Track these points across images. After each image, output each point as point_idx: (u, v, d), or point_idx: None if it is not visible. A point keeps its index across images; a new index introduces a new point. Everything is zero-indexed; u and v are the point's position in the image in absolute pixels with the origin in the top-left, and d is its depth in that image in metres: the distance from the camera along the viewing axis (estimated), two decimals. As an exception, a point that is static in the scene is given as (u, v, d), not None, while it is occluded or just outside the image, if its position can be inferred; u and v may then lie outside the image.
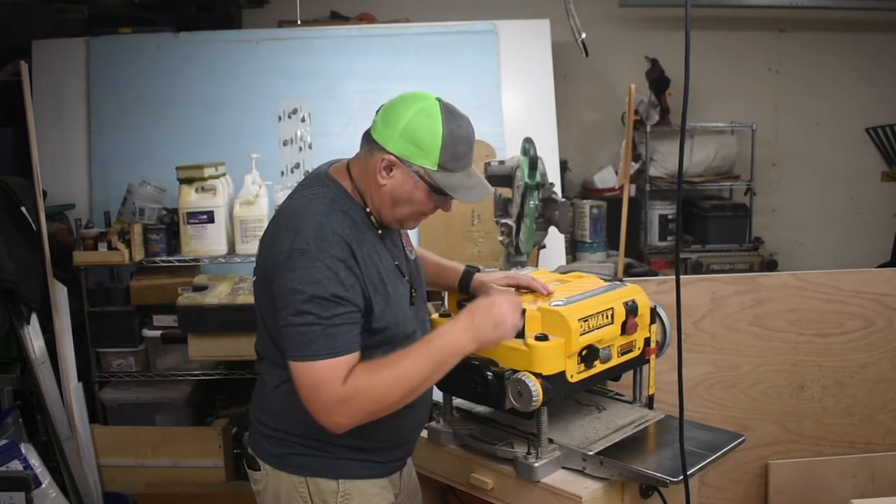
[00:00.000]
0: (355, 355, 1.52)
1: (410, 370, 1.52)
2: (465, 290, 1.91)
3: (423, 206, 1.64)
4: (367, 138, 1.64)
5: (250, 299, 2.92)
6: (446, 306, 1.94)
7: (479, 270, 1.93)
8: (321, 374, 1.48)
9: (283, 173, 3.87)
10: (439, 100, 1.62)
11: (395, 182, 1.60)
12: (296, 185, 1.80)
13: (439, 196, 1.62)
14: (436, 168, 1.58)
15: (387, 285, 1.62)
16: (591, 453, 1.75)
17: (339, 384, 1.48)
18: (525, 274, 1.87)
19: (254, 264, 1.71)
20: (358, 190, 1.65)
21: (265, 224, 3.15)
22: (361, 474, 1.69)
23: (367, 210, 1.65)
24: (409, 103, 1.61)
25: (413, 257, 1.81)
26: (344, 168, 1.69)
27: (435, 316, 1.92)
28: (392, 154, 1.58)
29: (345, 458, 1.66)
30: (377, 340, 1.60)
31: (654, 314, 1.93)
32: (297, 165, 3.91)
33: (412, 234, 3.78)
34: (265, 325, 1.66)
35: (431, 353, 1.54)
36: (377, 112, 1.66)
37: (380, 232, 1.66)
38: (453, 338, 1.56)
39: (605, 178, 4.74)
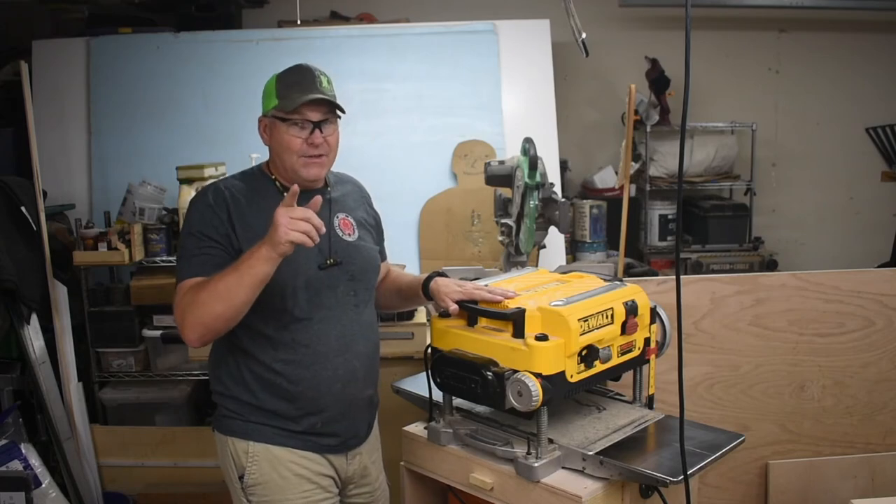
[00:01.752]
0: (201, 278, 1.75)
1: (225, 282, 1.68)
2: (428, 297, 2.01)
3: (291, 142, 1.84)
4: None
5: (250, 299, 2.92)
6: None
7: (442, 274, 2.01)
8: (176, 295, 1.76)
9: (283, 173, 3.87)
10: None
11: (272, 138, 1.88)
12: None
13: (291, 126, 1.83)
14: (276, 102, 1.84)
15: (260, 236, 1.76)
16: (591, 453, 1.75)
17: (179, 299, 1.74)
18: (477, 285, 1.92)
19: None
20: (270, 165, 1.94)
21: (265, 224, 3.18)
22: (274, 440, 1.86)
23: (273, 177, 1.91)
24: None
25: (349, 239, 1.95)
26: None
27: (435, 316, 1.93)
28: (261, 117, 1.90)
29: (256, 421, 1.85)
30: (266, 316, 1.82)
31: (654, 314, 1.93)
32: (297, 165, 3.90)
33: (412, 237, 3.80)
34: None
35: (236, 267, 1.70)
36: None
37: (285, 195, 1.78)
38: (252, 252, 1.70)
39: (605, 178, 4.74)
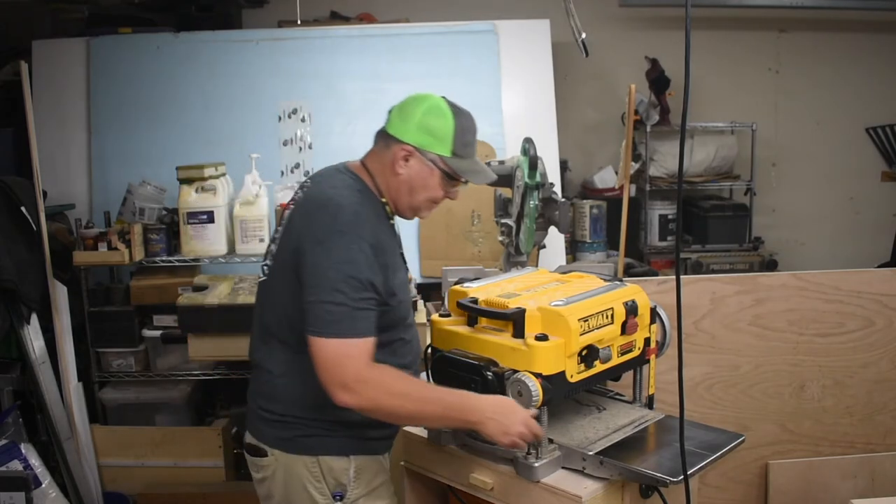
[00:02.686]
0: (374, 340, 1.65)
1: (428, 399, 1.67)
2: None
3: (436, 192, 1.81)
4: (383, 135, 1.82)
5: (250, 299, 2.92)
6: (446, 306, 1.94)
7: None
8: (347, 351, 1.60)
9: (283, 173, 3.87)
10: (444, 98, 1.83)
11: (413, 171, 1.78)
12: (305, 180, 1.90)
13: (451, 182, 1.81)
14: (450, 155, 1.78)
15: (397, 272, 1.76)
16: (591, 453, 1.75)
17: (365, 364, 1.61)
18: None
19: (255, 263, 1.78)
20: (375, 184, 1.81)
21: (265, 224, 3.18)
22: (365, 450, 1.81)
23: (383, 201, 1.81)
24: (419, 102, 1.81)
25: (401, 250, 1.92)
26: (359, 165, 1.84)
27: (435, 316, 1.92)
28: (410, 145, 1.77)
29: (347, 435, 1.76)
30: (385, 322, 1.72)
31: (654, 314, 1.93)
32: (297, 165, 3.91)
33: (412, 237, 3.80)
34: (282, 309, 1.75)
35: (448, 403, 1.67)
36: (389, 112, 1.85)
37: (392, 222, 1.81)
38: (471, 407, 1.66)
39: (605, 178, 4.74)
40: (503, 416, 1.64)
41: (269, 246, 1.87)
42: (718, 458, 1.79)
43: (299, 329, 1.66)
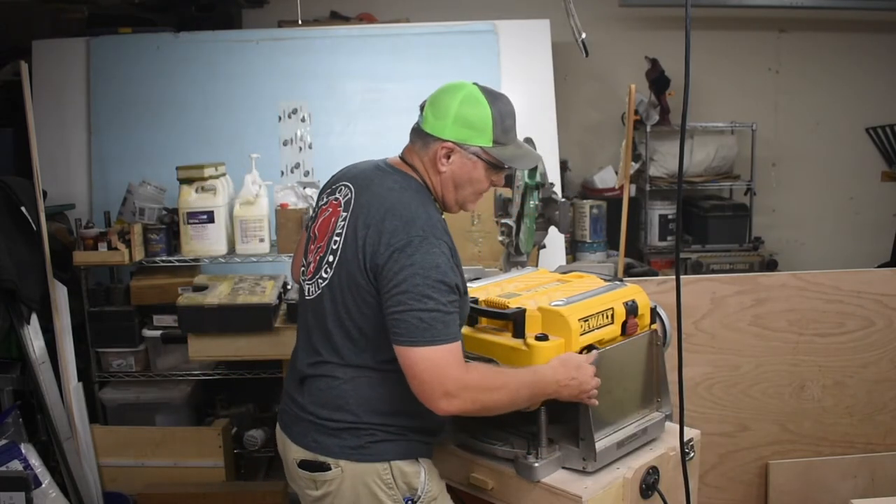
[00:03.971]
0: (461, 343, 1.62)
1: (516, 385, 1.63)
2: None
3: (482, 184, 1.77)
4: (419, 133, 1.76)
5: (250, 299, 2.92)
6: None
7: None
8: (445, 358, 1.55)
9: (283, 173, 3.87)
10: (476, 84, 1.77)
11: (455, 167, 1.74)
12: (339, 183, 1.82)
13: (495, 171, 1.77)
14: (491, 144, 1.73)
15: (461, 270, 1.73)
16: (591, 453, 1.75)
17: (463, 370, 1.57)
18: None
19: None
20: (423, 181, 1.76)
21: (265, 224, 3.17)
22: (428, 453, 1.78)
23: (433, 198, 1.77)
24: (452, 93, 1.74)
25: None
26: (402, 163, 1.79)
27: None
28: (449, 141, 1.72)
29: (416, 440, 1.72)
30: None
31: (654, 314, 1.93)
32: (297, 165, 3.91)
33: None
34: (351, 321, 1.67)
35: (530, 382, 1.65)
36: (421, 108, 1.78)
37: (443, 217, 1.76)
38: (545, 380, 1.66)
39: (605, 178, 4.74)
40: (571, 378, 1.65)
41: (316, 258, 1.76)
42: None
43: (372, 337, 1.64)
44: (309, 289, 1.77)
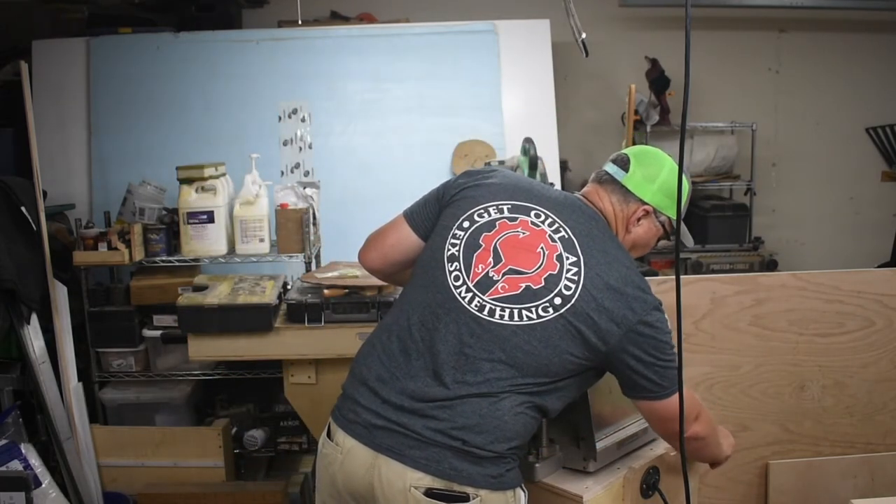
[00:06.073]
0: None
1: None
2: None
3: (647, 249, 1.84)
4: (617, 185, 1.79)
5: (250, 299, 2.92)
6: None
7: None
8: (694, 399, 1.73)
9: (283, 173, 3.88)
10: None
11: (642, 230, 1.79)
12: (504, 191, 1.78)
13: (660, 241, 1.85)
14: (674, 217, 1.77)
15: None
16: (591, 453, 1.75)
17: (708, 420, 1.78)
18: None
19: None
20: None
21: (265, 224, 3.17)
22: None
23: None
24: (660, 160, 1.79)
25: None
26: (601, 214, 1.78)
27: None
28: (650, 205, 1.76)
29: (521, 466, 1.68)
30: None
31: (654, 314, 1.93)
32: (297, 165, 3.91)
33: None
34: (545, 359, 1.61)
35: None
36: (620, 162, 1.81)
37: None
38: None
39: (606, 179, 4.74)
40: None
41: (516, 284, 1.64)
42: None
43: (554, 374, 1.62)
44: (488, 307, 1.64)
